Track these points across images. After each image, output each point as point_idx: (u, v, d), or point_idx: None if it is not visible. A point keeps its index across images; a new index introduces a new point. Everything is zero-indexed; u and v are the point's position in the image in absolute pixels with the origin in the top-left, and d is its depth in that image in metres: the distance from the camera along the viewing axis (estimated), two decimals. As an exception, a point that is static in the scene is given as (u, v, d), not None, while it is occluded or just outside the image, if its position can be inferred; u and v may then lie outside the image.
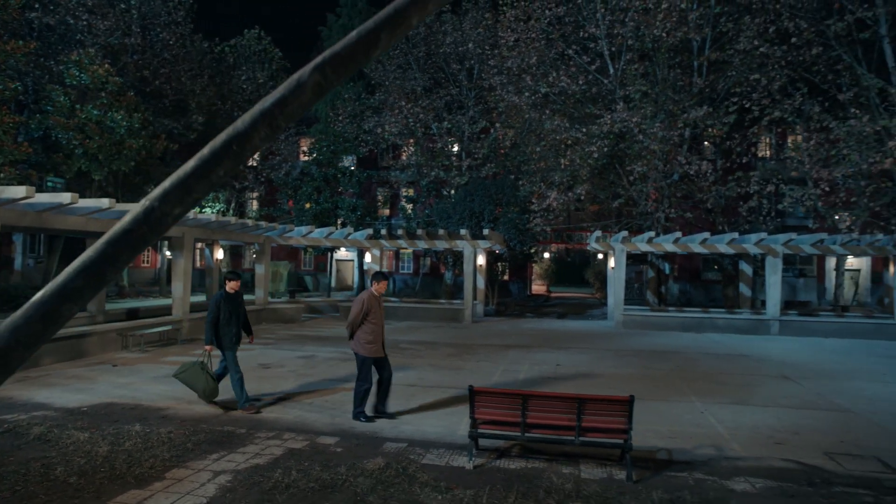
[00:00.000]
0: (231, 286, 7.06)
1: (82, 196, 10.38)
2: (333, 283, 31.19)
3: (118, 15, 21.80)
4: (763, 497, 4.53)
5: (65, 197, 9.10)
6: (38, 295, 1.12)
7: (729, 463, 5.31)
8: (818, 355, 12.36)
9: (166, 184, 1.04)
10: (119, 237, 1.06)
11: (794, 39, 16.00)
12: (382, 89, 25.41)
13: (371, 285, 6.58)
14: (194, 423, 6.22)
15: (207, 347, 6.83)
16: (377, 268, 18.98)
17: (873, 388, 8.80)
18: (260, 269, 16.72)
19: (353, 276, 35.91)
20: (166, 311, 14.09)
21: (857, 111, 15.65)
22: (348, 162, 27.61)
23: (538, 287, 41.61)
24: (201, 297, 19.17)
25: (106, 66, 18.98)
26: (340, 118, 25.47)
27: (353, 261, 34.33)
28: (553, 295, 36.98)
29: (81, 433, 5.68)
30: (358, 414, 6.43)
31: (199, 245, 27.47)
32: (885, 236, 15.29)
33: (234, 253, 34.83)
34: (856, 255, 17.44)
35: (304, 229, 17.37)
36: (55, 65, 20.04)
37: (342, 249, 30.52)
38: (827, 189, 16.20)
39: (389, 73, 25.01)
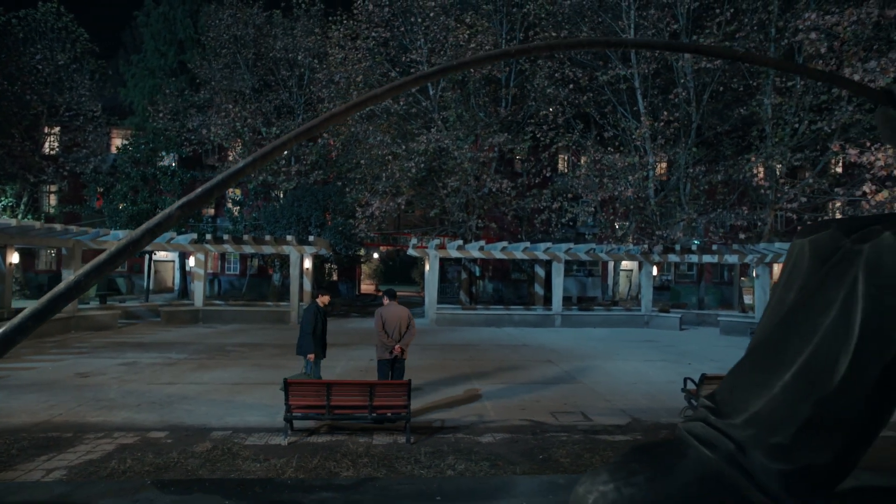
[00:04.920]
0: (323, 300, 8.13)
1: None
2: (152, 286, 29.41)
3: None
4: (498, 444, 6.46)
5: None
6: (1, 331, 2.31)
7: (484, 425, 7.24)
8: (582, 343, 15.56)
9: (87, 267, 2.25)
10: (57, 296, 2.30)
11: (571, 86, 19.61)
12: (208, 87, 24.76)
13: (384, 301, 8.04)
14: (13, 433, 6.48)
15: (310, 356, 7.80)
16: (201, 271, 18.81)
17: (605, 365, 11.75)
18: (69, 275, 15.79)
19: (174, 278, 34.05)
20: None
21: (619, 147, 19.72)
22: (169, 161, 26.33)
23: (367, 286, 43.25)
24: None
25: None
26: (161, 114, 24.25)
27: (174, 262, 32.60)
28: (381, 294, 38.81)
29: None
30: None
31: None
32: (635, 245, 19.48)
33: (27, 253, 30.91)
34: (617, 260, 21.73)
35: (120, 234, 16.71)
36: None
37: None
38: (593, 209, 20.12)
39: (216, 72, 24.45)
